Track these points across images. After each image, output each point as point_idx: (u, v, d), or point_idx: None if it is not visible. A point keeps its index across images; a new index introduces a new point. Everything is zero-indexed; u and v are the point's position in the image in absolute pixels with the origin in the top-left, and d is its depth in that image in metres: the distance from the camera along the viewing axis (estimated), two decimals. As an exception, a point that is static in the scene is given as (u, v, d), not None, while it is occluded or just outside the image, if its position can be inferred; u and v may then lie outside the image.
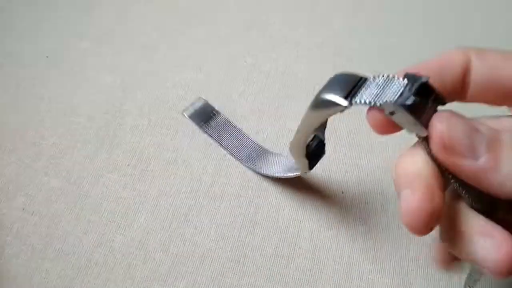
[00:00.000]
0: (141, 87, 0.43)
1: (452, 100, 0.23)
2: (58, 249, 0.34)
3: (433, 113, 0.21)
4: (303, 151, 0.31)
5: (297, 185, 0.38)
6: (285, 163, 0.37)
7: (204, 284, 0.34)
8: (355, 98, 0.22)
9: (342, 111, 0.23)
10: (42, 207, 0.36)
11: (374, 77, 0.22)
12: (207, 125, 0.41)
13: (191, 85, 0.43)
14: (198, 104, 0.42)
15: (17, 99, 0.42)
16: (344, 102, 0.22)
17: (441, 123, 0.20)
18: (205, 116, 0.41)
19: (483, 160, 0.19)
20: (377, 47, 0.47)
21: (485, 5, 0.52)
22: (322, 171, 0.38)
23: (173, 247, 0.35)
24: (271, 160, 0.39)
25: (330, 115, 0.24)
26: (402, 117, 0.21)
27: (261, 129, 0.41)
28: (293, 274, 0.34)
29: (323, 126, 0.30)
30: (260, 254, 0.35)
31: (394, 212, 0.37)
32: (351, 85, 0.22)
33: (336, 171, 0.39)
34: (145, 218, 0.36)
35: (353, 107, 0.22)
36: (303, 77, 0.45)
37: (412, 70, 0.22)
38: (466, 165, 0.20)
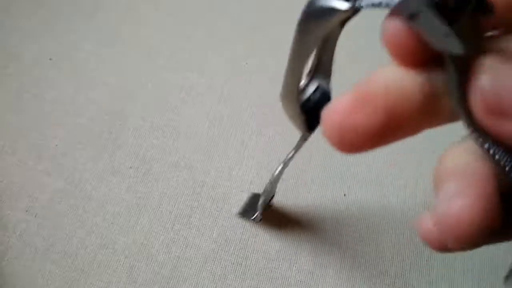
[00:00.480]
0: (144, 90, 0.43)
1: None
2: (61, 251, 0.35)
3: (473, 27, 0.15)
4: (297, 102, 0.23)
5: (301, 187, 0.38)
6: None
7: (206, 287, 0.34)
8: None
9: (342, 23, 0.17)
10: (45, 209, 0.36)
11: None
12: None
13: (194, 87, 0.44)
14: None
15: (20, 100, 0.42)
16: (343, 5, 0.16)
17: (486, 74, 0.14)
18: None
19: None
20: (381, 48, 0.47)
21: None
22: (323, 170, 0.38)
23: (176, 249, 0.35)
24: None
25: (325, 29, 0.18)
26: (428, 23, 0.14)
27: (263, 132, 0.41)
28: (295, 277, 0.34)
29: (326, 70, 0.24)
30: (263, 257, 0.35)
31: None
32: None
33: (337, 175, 0.39)
34: (147, 220, 0.36)
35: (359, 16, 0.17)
36: (305, 79, 0.45)
37: None
38: None
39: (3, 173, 0.38)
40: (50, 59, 0.44)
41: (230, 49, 0.46)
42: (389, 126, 0.16)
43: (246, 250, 0.35)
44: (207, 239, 0.36)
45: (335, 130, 0.16)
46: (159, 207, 0.37)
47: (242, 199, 0.37)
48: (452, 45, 0.14)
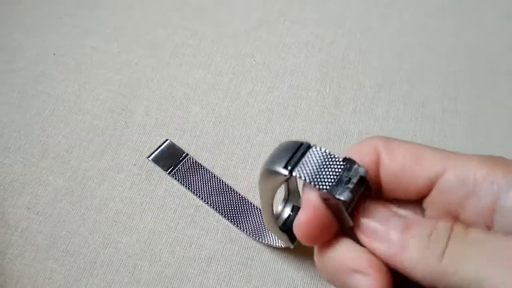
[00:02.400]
0: (148, 86, 0.42)
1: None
2: (63, 249, 0.34)
3: (359, 197, 0.22)
4: (276, 225, 0.29)
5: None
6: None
7: (211, 287, 0.33)
8: (295, 169, 0.22)
9: (286, 180, 0.23)
10: (48, 206, 0.36)
11: (315, 148, 0.23)
12: (177, 170, 0.38)
13: (199, 84, 0.43)
14: (165, 147, 0.39)
15: (23, 96, 0.41)
16: (284, 171, 0.23)
17: (360, 214, 0.22)
18: (172, 160, 0.38)
19: (391, 244, 0.21)
20: (389, 46, 0.47)
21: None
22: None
23: (180, 248, 0.34)
24: (252, 216, 0.36)
25: (278, 184, 0.24)
26: (335, 206, 0.22)
27: (269, 129, 0.40)
28: (302, 278, 0.33)
29: (297, 195, 0.30)
30: (268, 258, 0.34)
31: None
32: (291, 153, 0.23)
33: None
34: (151, 219, 0.36)
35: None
36: (312, 76, 0.44)
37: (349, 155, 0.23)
38: (380, 249, 0.21)
39: (6, 170, 0.37)
40: (54, 54, 0.44)
41: (237, 45, 0.46)
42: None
43: (252, 250, 0.34)
44: (211, 239, 0.35)
45: (300, 236, 0.23)
46: (163, 206, 0.36)
47: (247, 196, 0.37)
48: (346, 221, 0.22)
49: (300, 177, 0.22)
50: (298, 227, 0.23)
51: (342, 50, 0.46)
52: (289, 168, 0.22)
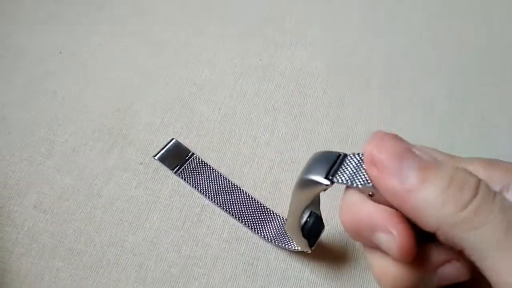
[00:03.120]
0: (154, 85, 0.42)
1: None
2: (70, 248, 0.34)
3: None
4: (300, 231, 0.30)
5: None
6: (280, 225, 0.35)
7: (217, 286, 0.33)
8: (336, 177, 0.23)
9: (325, 189, 0.24)
10: (54, 205, 0.36)
11: (352, 155, 0.23)
12: (183, 169, 0.38)
13: (205, 83, 0.43)
14: (171, 146, 0.39)
15: (29, 95, 0.41)
16: (325, 181, 0.23)
17: (369, 144, 0.21)
18: (179, 159, 0.38)
19: (406, 180, 0.20)
20: (395, 45, 0.47)
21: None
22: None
23: (186, 248, 0.34)
24: (258, 214, 0.36)
25: (314, 194, 0.25)
26: (379, 197, 0.22)
27: (275, 128, 0.40)
28: (307, 278, 0.33)
29: (316, 202, 0.30)
30: (274, 257, 0.34)
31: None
32: (330, 163, 0.23)
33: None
34: (157, 218, 0.36)
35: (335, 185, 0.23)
36: (319, 75, 0.44)
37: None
38: (391, 184, 0.20)
39: (12, 169, 0.37)
40: (60, 52, 0.44)
41: (243, 44, 0.46)
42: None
43: (258, 250, 0.34)
44: (217, 238, 0.35)
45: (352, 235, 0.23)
46: (169, 205, 0.36)
47: (253, 195, 0.37)
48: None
49: (342, 182, 0.22)
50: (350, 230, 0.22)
51: (349, 49, 0.46)
52: (330, 177, 0.23)
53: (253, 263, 0.34)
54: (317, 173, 0.23)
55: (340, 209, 0.23)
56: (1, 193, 0.36)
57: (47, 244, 0.34)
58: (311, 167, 0.24)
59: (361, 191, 0.22)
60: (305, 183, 0.24)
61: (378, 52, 0.46)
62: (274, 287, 0.33)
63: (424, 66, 0.45)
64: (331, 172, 0.23)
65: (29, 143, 0.39)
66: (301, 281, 0.33)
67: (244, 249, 0.35)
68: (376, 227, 0.21)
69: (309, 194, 0.25)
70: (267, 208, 0.36)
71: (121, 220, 0.35)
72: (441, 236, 0.20)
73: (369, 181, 0.21)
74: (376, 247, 0.22)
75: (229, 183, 0.37)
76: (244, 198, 0.36)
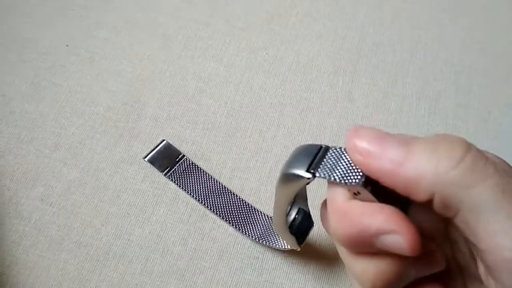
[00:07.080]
0: (161, 78, 0.42)
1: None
2: (76, 241, 0.34)
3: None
4: (287, 229, 0.29)
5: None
6: (269, 225, 0.35)
7: (223, 280, 0.33)
8: (318, 170, 0.22)
9: (307, 183, 0.23)
10: (61, 198, 0.36)
11: (334, 148, 0.23)
12: (173, 171, 0.37)
13: (212, 77, 0.43)
14: (161, 148, 0.39)
15: (36, 87, 0.41)
16: (307, 175, 0.22)
17: (349, 138, 0.21)
18: (169, 161, 0.38)
19: (394, 158, 0.20)
20: (402, 40, 0.46)
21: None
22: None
23: (192, 241, 0.35)
24: (248, 217, 0.36)
25: (297, 188, 0.24)
26: (364, 196, 0.21)
27: (281, 123, 0.40)
28: (313, 272, 0.34)
29: (303, 198, 0.30)
30: (279, 251, 0.34)
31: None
32: (312, 156, 0.23)
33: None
34: (163, 211, 0.36)
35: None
36: (325, 70, 0.44)
37: None
38: (379, 165, 0.20)
39: (19, 161, 0.37)
40: (67, 45, 0.44)
41: (249, 38, 0.46)
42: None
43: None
44: (223, 232, 0.35)
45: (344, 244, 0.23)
46: (176, 198, 0.36)
47: (259, 190, 0.37)
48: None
49: (325, 177, 0.22)
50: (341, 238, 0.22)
51: (355, 44, 0.46)
52: (312, 171, 0.22)
53: (259, 257, 0.34)
54: (299, 167, 0.23)
55: (329, 221, 0.22)
56: (8, 185, 0.36)
57: (54, 236, 0.34)
58: (292, 161, 0.24)
59: (348, 189, 0.22)
60: (287, 178, 0.24)
61: (384, 47, 0.46)
62: (280, 281, 0.33)
63: (430, 61, 0.45)
64: (313, 166, 0.22)
65: (36, 136, 0.39)
66: (306, 275, 0.33)
67: (250, 243, 0.35)
68: (380, 231, 0.21)
69: (292, 188, 0.24)
70: (255, 209, 0.36)
71: (127, 213, 0.36)
72: (437, 201, 0.19)
73: (354, 176, 0.21)
74: (370, 251, 0.22)
75: (218, 185, 0.37)
76: (233, 200, 0.36)
